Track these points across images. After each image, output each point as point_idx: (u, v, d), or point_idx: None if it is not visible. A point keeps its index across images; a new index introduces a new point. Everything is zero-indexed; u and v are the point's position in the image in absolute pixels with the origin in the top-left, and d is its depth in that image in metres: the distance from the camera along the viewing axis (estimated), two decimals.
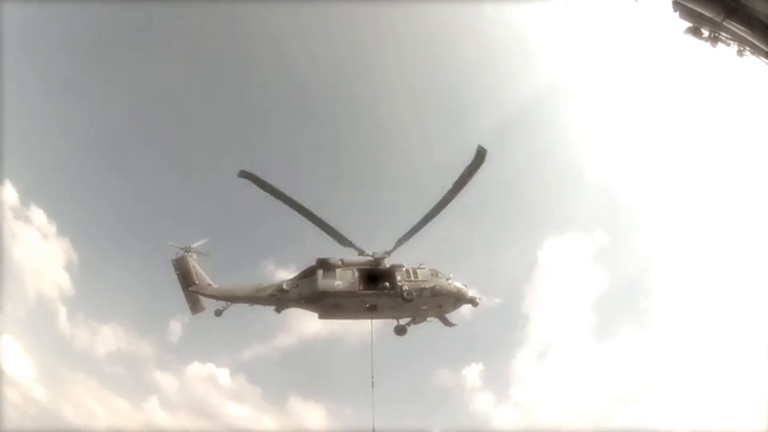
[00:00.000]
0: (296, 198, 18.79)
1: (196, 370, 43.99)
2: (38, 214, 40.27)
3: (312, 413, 44.72)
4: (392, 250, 19.89)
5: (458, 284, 20.09)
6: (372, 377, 19.00)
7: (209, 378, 43.17)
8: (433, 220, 18.70)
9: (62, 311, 40.81)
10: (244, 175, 18.50)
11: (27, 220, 38.63)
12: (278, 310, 20.13)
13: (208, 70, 47.87)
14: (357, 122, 46.56)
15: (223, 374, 43.55)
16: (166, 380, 43.58)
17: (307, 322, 49.24)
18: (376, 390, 18.91)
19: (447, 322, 21.05)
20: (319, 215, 19.09)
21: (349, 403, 41.18)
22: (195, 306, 20.88)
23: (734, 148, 42.76)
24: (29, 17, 36.25)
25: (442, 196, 18.28)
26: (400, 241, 19.64)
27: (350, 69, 46.24)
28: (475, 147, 17.05)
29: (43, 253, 41.05)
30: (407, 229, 19.24)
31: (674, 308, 46.98)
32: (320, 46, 45.97)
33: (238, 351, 46.60)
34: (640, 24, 36.57)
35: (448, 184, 18.16)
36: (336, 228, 19.33)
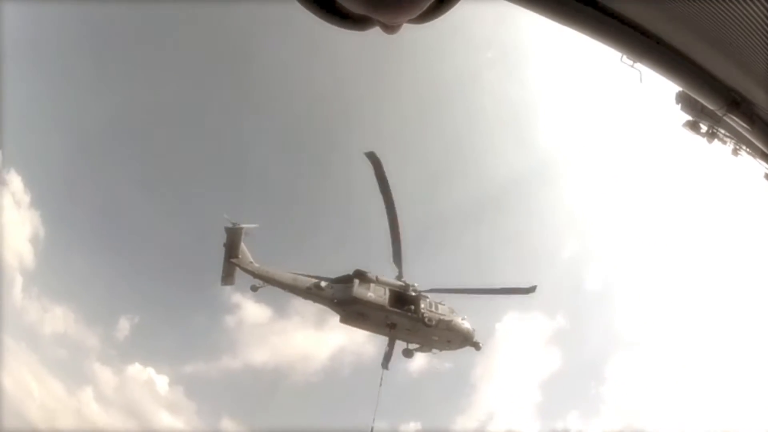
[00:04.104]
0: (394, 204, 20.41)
1: (136, 371, 41.76)
2: (16, 181, 38.69)
3: None
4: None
5: (469, 326, 22.09)
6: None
7: (147, 383, 41.14)
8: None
9: (18, 281, 38.61)
10: (370, 156, 19.70)
11: (3, 183, 37.18)
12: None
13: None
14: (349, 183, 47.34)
15: (162, 381, 41.48)
16: (104, 374, 40.96)
17: (255, 351, 47.62)
18: None
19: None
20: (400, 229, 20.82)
21: None
22: (228, 277, 21.55)
23: (719, 247, 43.53)
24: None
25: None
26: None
27: (347, 121, 47.72)
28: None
29: (13, 221, 39.09)
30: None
31: (626, 399, 46.30)
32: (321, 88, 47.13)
33: (180, 363, 45.11)
34: (637, 111, 38.07)
35: None
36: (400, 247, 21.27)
